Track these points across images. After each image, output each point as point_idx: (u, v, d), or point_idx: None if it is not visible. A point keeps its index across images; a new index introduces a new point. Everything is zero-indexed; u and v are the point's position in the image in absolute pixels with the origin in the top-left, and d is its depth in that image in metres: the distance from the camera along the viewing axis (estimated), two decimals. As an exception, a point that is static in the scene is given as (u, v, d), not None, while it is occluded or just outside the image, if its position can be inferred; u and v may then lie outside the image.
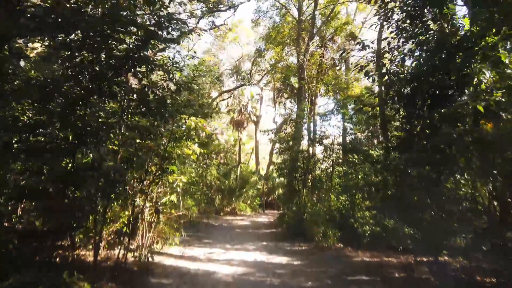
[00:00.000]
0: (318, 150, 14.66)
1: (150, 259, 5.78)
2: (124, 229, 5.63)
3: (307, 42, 17.50)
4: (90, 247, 5.87)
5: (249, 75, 24.69)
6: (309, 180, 12.44)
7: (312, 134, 13.97)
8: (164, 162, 5.38)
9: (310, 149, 13.70)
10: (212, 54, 26.05)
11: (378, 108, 6.98)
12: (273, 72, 23.02)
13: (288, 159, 12.52)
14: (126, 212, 6.01)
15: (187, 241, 8.56)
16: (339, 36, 20.00)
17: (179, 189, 6.68)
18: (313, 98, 20.25)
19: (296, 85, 18.16)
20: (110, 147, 5.02)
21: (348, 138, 12.26)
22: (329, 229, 8.57)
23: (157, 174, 5.47)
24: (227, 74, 25.96)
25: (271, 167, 20.66)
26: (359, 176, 9.96)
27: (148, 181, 5.52)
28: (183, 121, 5.90)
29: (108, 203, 4.68)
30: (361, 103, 5.80)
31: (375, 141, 12.00)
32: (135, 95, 4.59)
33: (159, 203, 6.41)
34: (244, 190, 19.13)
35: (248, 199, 20.01)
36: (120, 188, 4.69)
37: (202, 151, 6.48)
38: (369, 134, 10.84)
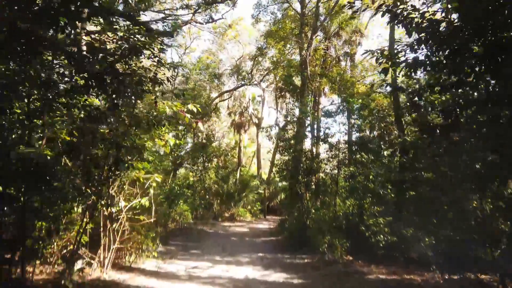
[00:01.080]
0: (322, 150, 13.45)
1: (106, 277, 4.58)
2: (79, 237, 4.48)
3: (310, 36, 16.54)
4: (37, 262, 4.72)
5: (250, 75, 23.58)
6: (312, 183, 11.21)
7: (316, 132, 12.78)
8: (120, 153, 4.17)
9: (314, 148, 12.53)
10: (212, 53, 25.07)
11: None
12: (274, 70, 21.94)
13: (290, 160, 11.32)
14: (85, 219, 4.87)
15: (169, 252, 7.36)
16: (344, 31, 18.88)
17: (152, 191, 5.50)
18: (317, 98, 19.11)
19: (299, 83, 17.08)
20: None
21: (354, 137, 11.12)
22: (336, 238, 7.29)
23: (112, 169, 4.29)
24: (228, 74, 24.96)
25: (273, 169, 19.50)
26: (369, 177, 8.73)
27: (103, 179, 4.34)
28: (154, 105, 4.75)
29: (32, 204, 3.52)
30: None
31: (386, 139, 10.80)
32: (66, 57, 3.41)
33: (125, 207, 5.23)
34: (244, 194, 17.96)
35: (249, 204, 18.86)
36: (45, 185, 3.52)
37: (178, 142, 5.32)
38: (380, 125, 9.56)
